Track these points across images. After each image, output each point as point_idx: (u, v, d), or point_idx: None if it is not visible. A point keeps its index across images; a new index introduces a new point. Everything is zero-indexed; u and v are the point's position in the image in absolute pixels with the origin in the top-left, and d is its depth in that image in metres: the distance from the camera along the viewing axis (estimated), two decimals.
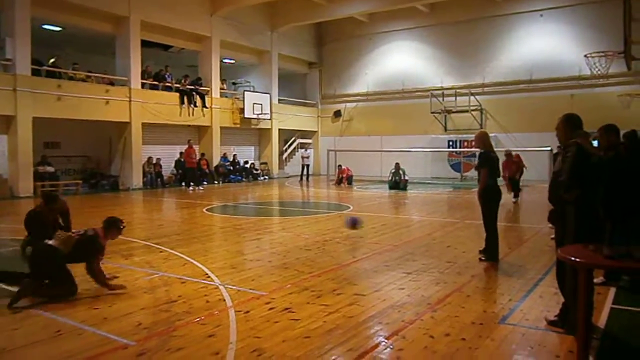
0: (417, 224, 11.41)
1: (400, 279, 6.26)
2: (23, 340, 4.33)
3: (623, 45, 15.54)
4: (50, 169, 18.52)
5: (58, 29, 19.51)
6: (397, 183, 20.10)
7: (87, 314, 4.92)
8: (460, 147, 25.19)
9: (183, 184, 21.22)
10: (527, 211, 13.64)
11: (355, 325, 4.61)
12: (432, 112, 25.25)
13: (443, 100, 24.85)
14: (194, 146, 20.79)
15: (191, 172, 20.65)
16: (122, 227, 5.86)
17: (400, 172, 20.29)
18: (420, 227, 10.84)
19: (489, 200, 7.17)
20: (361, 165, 25.59)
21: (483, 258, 7.23)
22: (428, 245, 8.56)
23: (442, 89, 25.26)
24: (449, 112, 25.16)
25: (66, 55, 19.85)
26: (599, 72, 18.04)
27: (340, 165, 23.11)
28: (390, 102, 27.61)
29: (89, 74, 19.76)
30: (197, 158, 21.50)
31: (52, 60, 18.61)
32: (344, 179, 22.57)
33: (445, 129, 25.95)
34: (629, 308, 5.25)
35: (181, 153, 21.85)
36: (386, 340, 4.25)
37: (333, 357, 3.91)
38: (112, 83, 19.97)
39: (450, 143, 25.67)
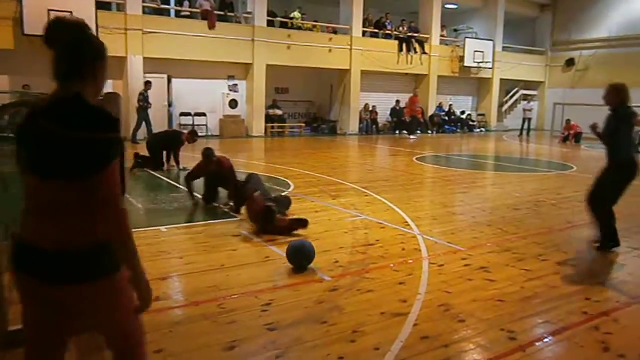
0: None
1: (622, 254, 5.47)
2: (239, 260, 4.96)
3: None
4: (279, 112, 20.40)
5: None
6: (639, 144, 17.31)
7: None
8: None
9: (397, 131, 21.55)
10: None
11: (557, 296, 4.18)
12: None
13: None
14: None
15: (415, 121, 20.80)
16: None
17: None
18: None
19: None
20: (594, 121, 22.50)
21: None
22: None
23: None
24: None
25: (296, 7, 21.18)
26: None
27: (568, 120, 20.87)
28: (638, 48, 23.52)
29: (315, 23, 20.90)
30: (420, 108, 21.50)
31: (296, 15, 20.16)
32: (571, 135, 20.37)
33: None
34: None
35: (397, 101, 22.15)
36: (592, 320, 3.77)
37: (526, 326, 3.62)
38: (335, 32, 20.83)
39: None
